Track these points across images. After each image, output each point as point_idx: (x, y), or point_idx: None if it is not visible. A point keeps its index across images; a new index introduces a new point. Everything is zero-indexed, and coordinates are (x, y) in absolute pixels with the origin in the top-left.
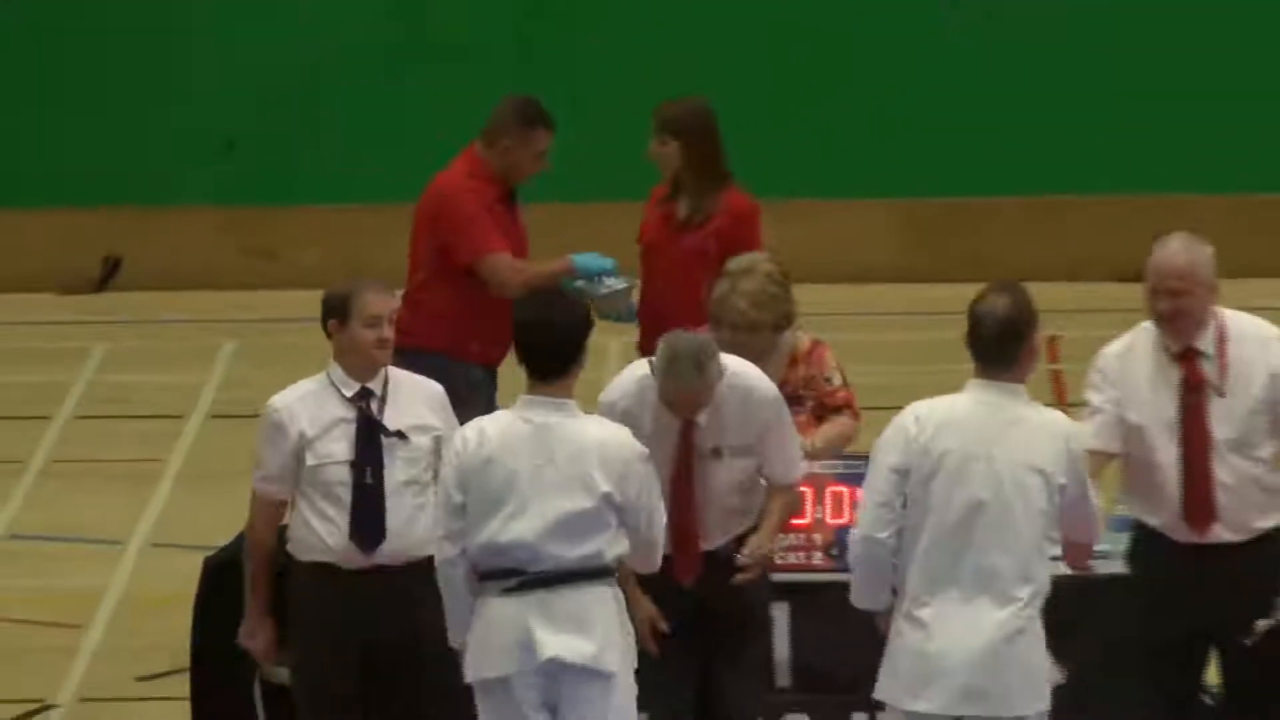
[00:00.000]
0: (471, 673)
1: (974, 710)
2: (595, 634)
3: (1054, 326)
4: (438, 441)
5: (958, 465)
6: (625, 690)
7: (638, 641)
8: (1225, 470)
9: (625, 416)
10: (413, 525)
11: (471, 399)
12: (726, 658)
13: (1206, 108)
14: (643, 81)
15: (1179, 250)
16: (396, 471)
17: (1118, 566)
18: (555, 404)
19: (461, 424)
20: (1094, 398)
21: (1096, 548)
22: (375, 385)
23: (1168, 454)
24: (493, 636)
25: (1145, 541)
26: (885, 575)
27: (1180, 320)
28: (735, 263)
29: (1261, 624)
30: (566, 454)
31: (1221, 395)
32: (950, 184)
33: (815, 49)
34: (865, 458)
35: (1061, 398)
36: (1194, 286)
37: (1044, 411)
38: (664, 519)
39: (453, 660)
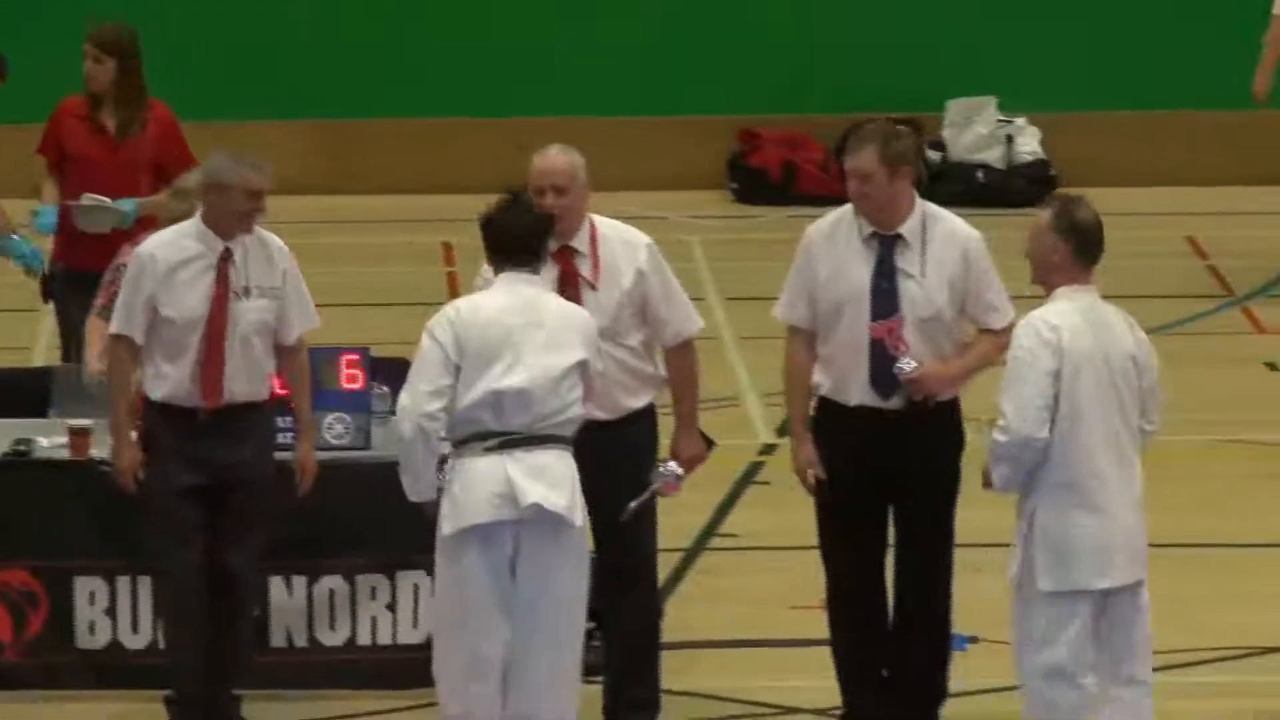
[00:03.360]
0: (452, 524)
1: (1139, 574)
2: (565, 490)
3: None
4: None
5: (1092, 364)
6: (583, 544)
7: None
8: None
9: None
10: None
11: None
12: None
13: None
14: None
15: (559, 154)
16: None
17: None
18: (530, 280)
19: None
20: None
21: None
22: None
23: None
24: (475, 489)
25: None
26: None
27: (562, 219)
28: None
29: (633, 505)
30: (553, 319)
31: (594, 289)
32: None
33: None
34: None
35: None
36: (574, 187)
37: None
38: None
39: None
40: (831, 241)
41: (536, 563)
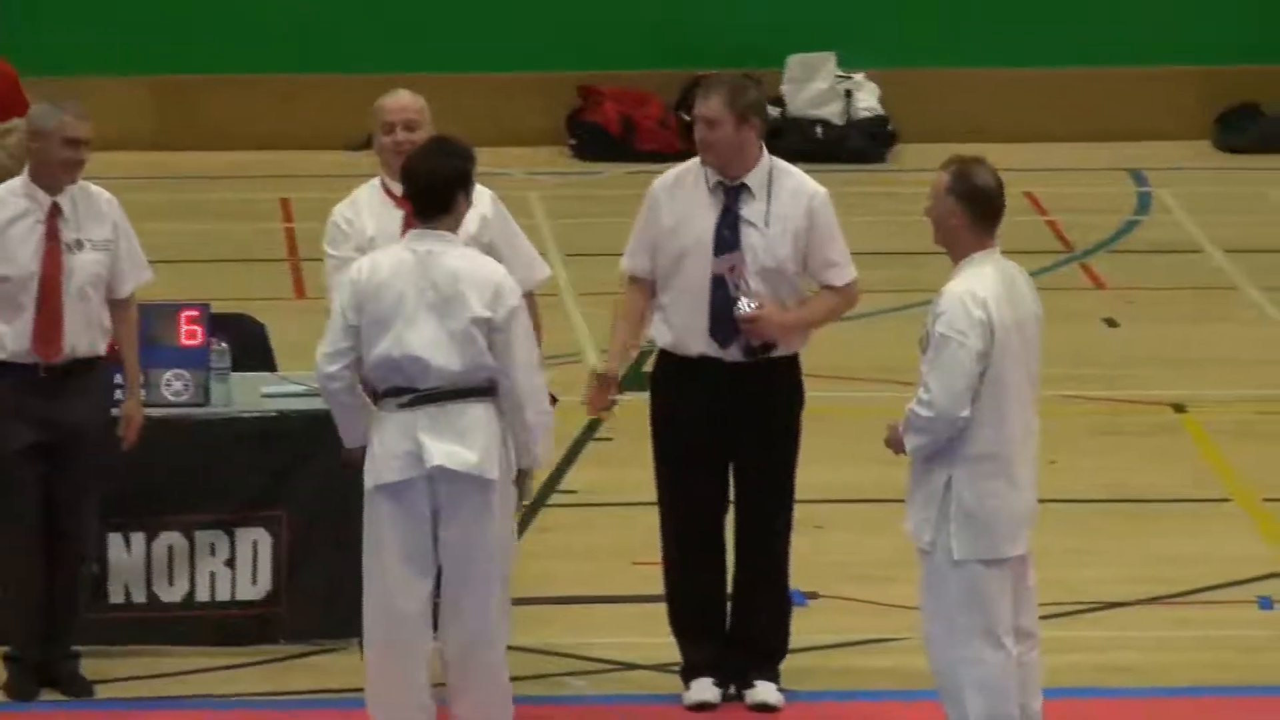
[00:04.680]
0: (371, 479)
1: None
2: (477, 445)
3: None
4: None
5: (1013, 334)
6: (503, 498)
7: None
8: None
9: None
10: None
11: None
12: None
13: None
14: None
15: (408, 93)
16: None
17: None
18: (438, 236)
19: None
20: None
21: None
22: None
23: None
24: (388, 446)
25: None
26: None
27: (403, 138)
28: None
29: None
30: (446, 279)
31: None
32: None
33: None
34: None
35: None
36: (424, 123)
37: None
38: (532, 360)
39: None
40: (676, 192)
41: (455, 520)
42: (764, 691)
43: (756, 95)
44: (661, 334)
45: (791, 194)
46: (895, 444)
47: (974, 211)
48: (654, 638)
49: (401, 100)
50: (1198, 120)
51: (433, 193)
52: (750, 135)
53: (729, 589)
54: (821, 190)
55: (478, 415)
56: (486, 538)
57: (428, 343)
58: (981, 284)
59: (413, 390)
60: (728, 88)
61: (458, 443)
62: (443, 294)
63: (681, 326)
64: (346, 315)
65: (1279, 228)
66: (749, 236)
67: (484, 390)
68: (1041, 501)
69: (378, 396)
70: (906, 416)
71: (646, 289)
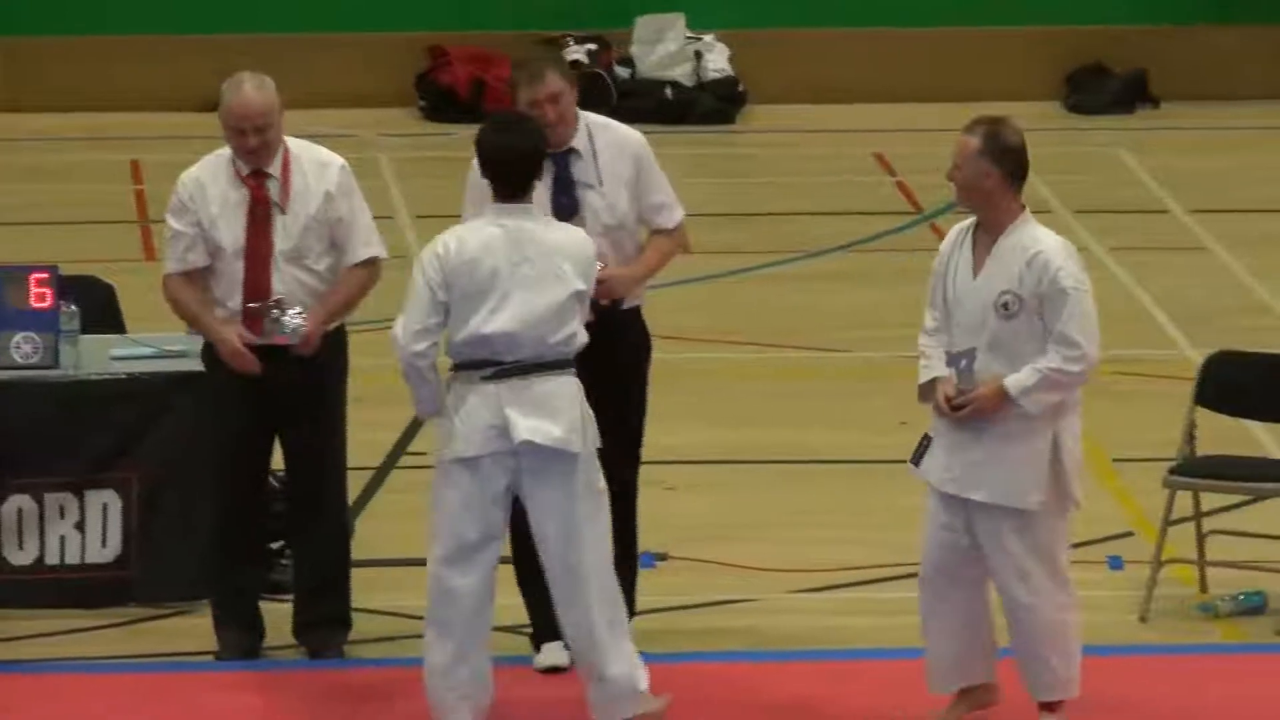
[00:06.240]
0: (449, 453)
1: None
2: (562, 419)
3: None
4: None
5: None
6: (591, 467)
7: None
8: (278, 278)
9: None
10: None
11: None
12: None
13: None
14: None
15: (253, 91)
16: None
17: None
18: (523, 210)
19: None
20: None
21: None
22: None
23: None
24: (471, 420)
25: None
26: None
27: (257, 152)
28: None
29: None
30: (540, 252)
31: (283, 213)
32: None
33: None
34: None
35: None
36: (273, 121)
37: None
38: None
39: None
40: None
41: (539, 496)
42: None
43: (563, 57)
44: None
45: (614, 147)
46: (990, 410)
47: (1007, 170)
48: (504, 599)
49: (249, 106)
50: (1047, 81)
51: (518, 172)
52: (575, 97)
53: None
54: (638, 135)
55: (563, 388)
56: (571, 515)
57: (520, 317)
58: (1055, 235)
59: (497, 363)
60: (552, 61)
61: (543, 417)
62: (538, 268)
63: None
64: (435, 292)
65: (1127, 188)
66: (587, 198)
67: (569, 363)
68: (897, 462)
69: (457, 367)
70: (1046, 375)
71: None
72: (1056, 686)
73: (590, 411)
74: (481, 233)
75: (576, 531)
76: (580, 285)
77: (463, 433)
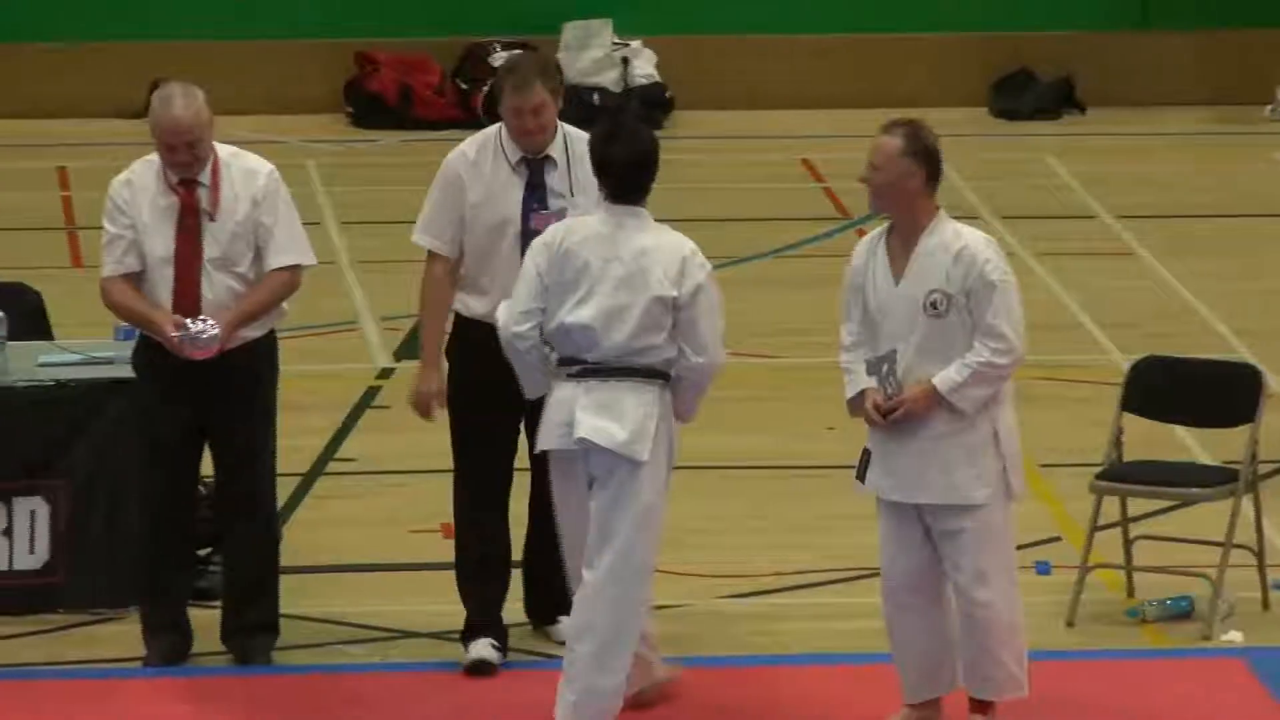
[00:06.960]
0: (538, 444)
1: None
2: (629, 423)
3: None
4: None
5: None
6: (651, 480)
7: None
8: (208, 285)
9: None
10: None
11: None
12: None
13: None
14: None
15: (183, 107)
16: None
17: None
18: (632, 212)
19: None
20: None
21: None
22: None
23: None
24: (550, 414)
25: (147, 348)
26: None
27: (191, 165)
28: None
29: None
30: (633, 256)
31: (213, 220)
32: None
33: None
34: None
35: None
36: (203, 135)
37: None
38: (718, 338)
39: None
40: (477, 169)
41: (602, 495)
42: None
43: (554, 61)
44: (470, 305)
45: (585, 158)
46: (922, 411)
47: (930, 171)
48: (433, 605)
49: (179, 123)
50: (974, 87)
51: (633, 177)
52: (558, 107)
53: (524, 542)
54: None
55: (638, 395)
56: (621, 524)
57: (600, 315)
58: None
59: (582, 361)
60: (537, 69)
61: (609, 419)
62: (627, 269)
63: (501, 299)
64: (542, 276)
65: (1053, 194)
66: (558, 207)
67: (652, 372)
68: (827, 468)
69: (558, 361)
70: (975, 370)
71: (449, 266)
72: (1009, 685)
73: (674, 426)
74: (587, 227)
75: (620, 545)
76: (669, 292)
77: (545, 425)
